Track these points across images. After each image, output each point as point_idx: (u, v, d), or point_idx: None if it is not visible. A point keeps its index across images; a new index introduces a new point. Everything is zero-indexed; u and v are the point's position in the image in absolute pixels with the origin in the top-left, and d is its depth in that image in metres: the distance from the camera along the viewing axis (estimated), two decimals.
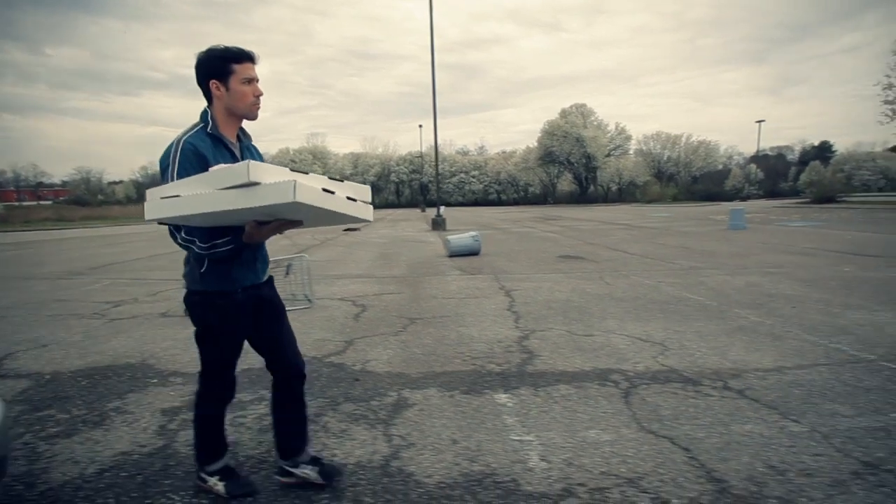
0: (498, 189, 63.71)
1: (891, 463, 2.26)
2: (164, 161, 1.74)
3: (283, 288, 5.90)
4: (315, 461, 2.17)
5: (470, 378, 3.43)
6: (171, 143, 1.76)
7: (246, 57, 1.80)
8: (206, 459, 2.10)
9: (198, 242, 1.73)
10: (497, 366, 3.66)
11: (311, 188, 1.47)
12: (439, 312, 5.40)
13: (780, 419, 2.73)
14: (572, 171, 57.08)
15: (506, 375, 3.46)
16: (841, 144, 71.13)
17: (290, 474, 2.14)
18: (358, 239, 15.70)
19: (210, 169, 1.59)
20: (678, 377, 3.37)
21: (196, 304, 1.93)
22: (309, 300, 5.83)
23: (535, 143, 57.21)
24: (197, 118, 1.86)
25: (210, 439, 2.10)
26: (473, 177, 63.43)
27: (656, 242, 12.36)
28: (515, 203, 58.71)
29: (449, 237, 11.29)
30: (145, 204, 1.62)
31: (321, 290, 6.64)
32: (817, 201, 24.18)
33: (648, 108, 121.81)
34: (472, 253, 10.30)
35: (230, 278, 1.88)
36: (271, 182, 1.45)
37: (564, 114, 54.55)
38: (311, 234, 17.02)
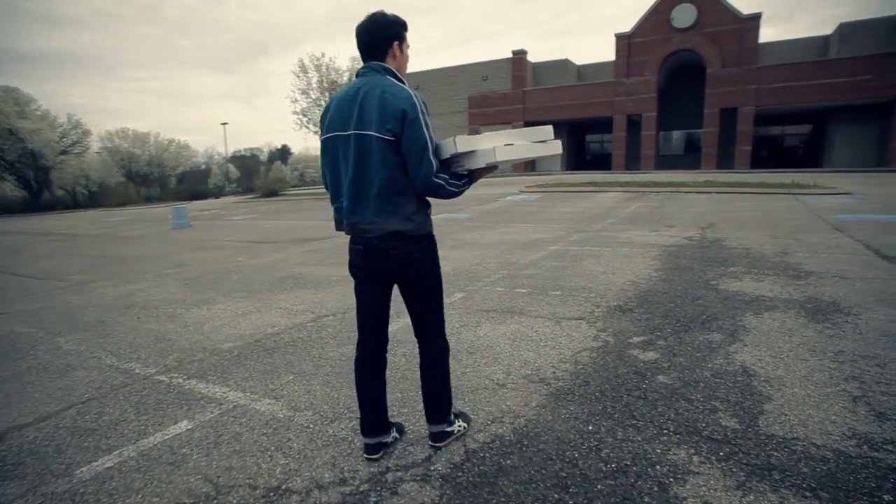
0: None
1: None
2: (414, 109, 1.84)
3: None
4: (460, 414, 2.35)
5: None
6: (408, 94, 1.87)
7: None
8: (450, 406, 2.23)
9: (459, 184, 1.96)
10: None
11: None
12: None
13: None
14: (15, 173, 42.08)
15: None
16: (296, 147, 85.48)
17: (450, 434, 2.22)
18: None
19: (521, 128, 1.99)
20: None
21: (429, 247, 2.04)
22: None
23: None
24: None
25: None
26: None
27: (78, 254, 9.89)
28: None
29: None
30: (495, 149, 1.86)
31: None
32: (264, 196, 27.41)
33: (132, 105, 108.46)
34: None
35: None
36: (552, 140, 2.04)
37: None
38: None
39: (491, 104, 37.07)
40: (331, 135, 1.98)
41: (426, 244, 2.03)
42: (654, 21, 31.02)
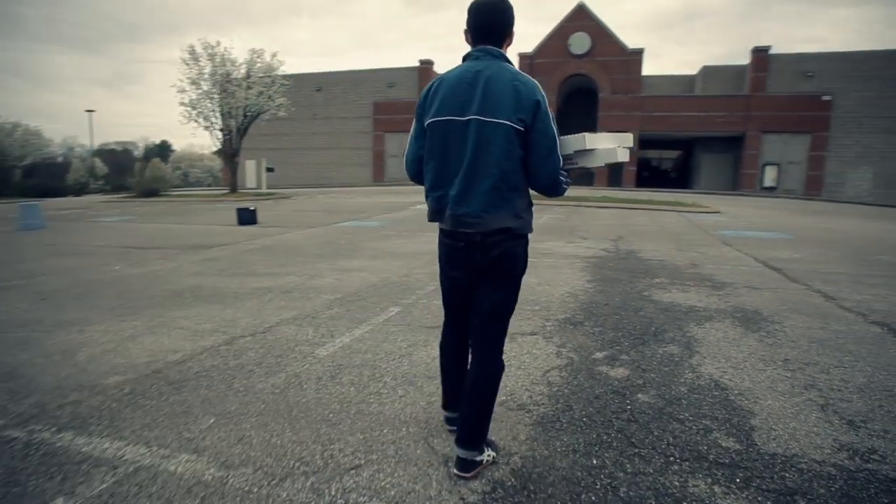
0: None
1: None
2: (545, 101, 1.78)
3: None
4: (489, 442, 2.06)
5: None
6: (537, 85, 1.80)
7: None
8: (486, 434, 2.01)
9: (570, 182, 1.93)
10: None
11: None
12: None
13: None
14: None
15: None
16: (179, 144, 77.80)
17: (479, 463, 1.96)
18: None
19: (612, 134, 2.01)
20: None
21: (526, 246, 1.94)
22: None
23: None
24: None
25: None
26: None
27: None
28: None
29: None
30: (616, 149, 1.93)
31: None
32: (142, 195, 24.32)
33: None
34: None
35: None
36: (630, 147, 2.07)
37: None
38: None
39: (398, 111, 36.71)
40: (442, 118, 1.84)
41: (524, 242, 1.93)
42: (553, 45, 33.05)
